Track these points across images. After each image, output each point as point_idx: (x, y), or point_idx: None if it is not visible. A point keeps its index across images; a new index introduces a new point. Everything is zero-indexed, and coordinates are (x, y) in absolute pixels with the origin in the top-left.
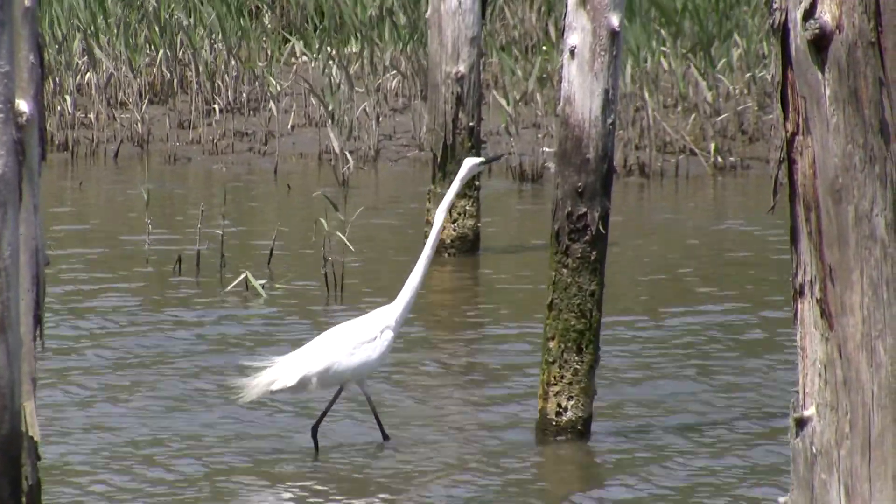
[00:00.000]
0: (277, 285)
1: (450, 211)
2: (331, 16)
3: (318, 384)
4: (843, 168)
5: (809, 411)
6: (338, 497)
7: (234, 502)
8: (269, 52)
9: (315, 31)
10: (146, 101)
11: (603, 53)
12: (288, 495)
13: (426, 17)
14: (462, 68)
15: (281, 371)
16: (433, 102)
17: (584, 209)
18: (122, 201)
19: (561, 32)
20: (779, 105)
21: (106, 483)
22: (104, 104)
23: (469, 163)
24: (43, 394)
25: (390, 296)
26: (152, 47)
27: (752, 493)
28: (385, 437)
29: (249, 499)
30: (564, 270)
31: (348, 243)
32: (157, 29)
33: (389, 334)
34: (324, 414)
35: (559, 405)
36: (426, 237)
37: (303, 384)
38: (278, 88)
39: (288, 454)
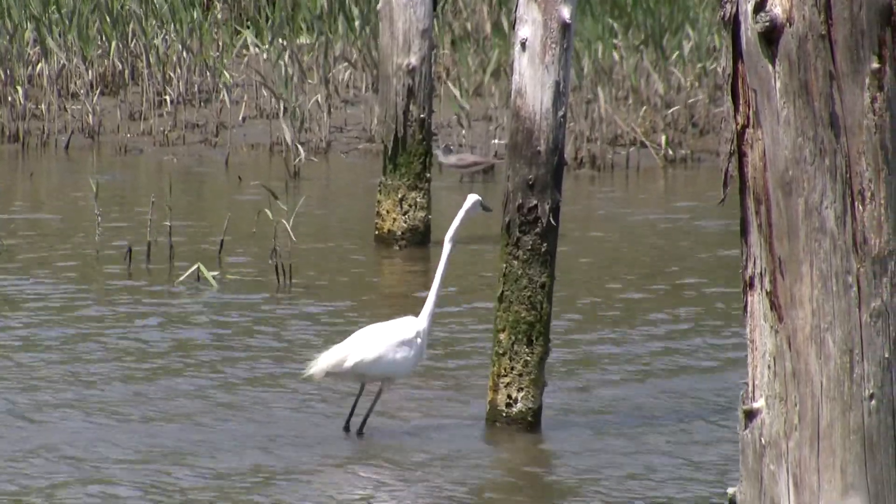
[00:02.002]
0: (228, 276)
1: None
2: (282, 7)
3: (361, 374)
4: (793, 161)
5: (759, 403)
6: (286, 484)
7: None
8: (221, 44)
9: (267, 22)
10: (98, 92)
11: (554, 46)
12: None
13: (378, 9)
14: (413, 60)
15: (337, 356)
16: (384, 94)
17: (535, 201)
18: (73, 192)
19: (512, 25)
20: (729, 98)
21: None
22: (56, 95)
23: (473, 198)
24: None
25: (339, 285)
26: (104, 38)
27: (701, 484)
28: (360, 432)
29: (187, 483)
30: (515, 262)
31: (291, 233)
32: (108, 20)
33: (421, 341)
34: (352, 411)
35: (509, 396)
36: (376, 228)
37: (354, 371)
38: (230, 80)
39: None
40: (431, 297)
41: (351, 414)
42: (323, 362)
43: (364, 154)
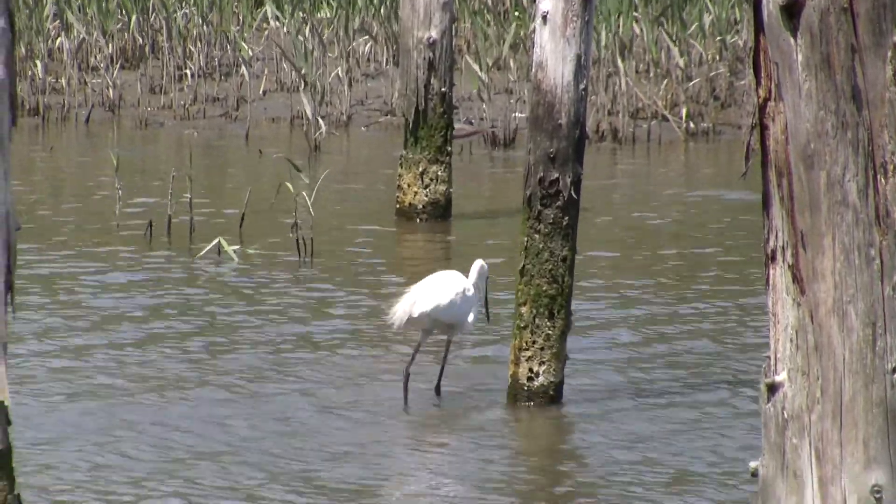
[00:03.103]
0: (249, 250)
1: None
2: None
3: (435, 319)
4: (815, 134)
5: (781, 377)
6: (301, 465)
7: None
8: (241, 17)
9: None
10: (118, 66)
11: (575, 19)
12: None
13: None
14: (434, 34)
15: (416, 300)
16: (405, 68)
17: (557, 175)
18: (93, 166)
19: None
20: (751, 71)
21: (81, 451)
22: (76, 69)
23: (479, 263)
24: (13, 359)
25: (360, 259)
26: (124, 12)
27: (723, 458)
28: (438, 391)
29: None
30: (536, 236)
31: (311, 208)
32: None
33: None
34: (412, 360)
35: (531, 370)
36: (397, 202)
37: (430, 317)
38: (250, 53)
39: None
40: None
41: (440, 378)
42: (400, 310)
43: (385, 127)
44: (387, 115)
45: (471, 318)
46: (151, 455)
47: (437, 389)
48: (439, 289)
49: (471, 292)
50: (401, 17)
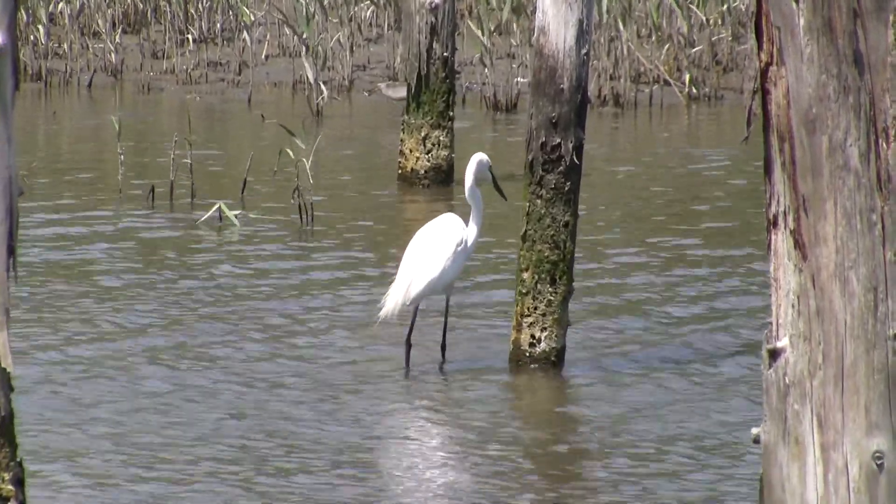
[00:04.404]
0: (251, 215)
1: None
2: None
3: (430, 295)
4: (816, 98)
5: (782, 342)
6: (315, 435)
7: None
8: None
9: None
10: (119, 30)
11: None
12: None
13: None
14: None
15: (407, 285)
16: (407, 32)
17: (559, 140)
18: (96, 131)
19: None
20: (753, 35)
21: (80, 422)
22: (77, 34)
23: (476, 158)
24: (16, 326)
25: (361, 224)
26: None
27: (724, 424)
28: (443, 348)
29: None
30: (538, 201)
31: (309, 173)
32: None
33: (469, 245)
34: (411, 328)
35: (532, 336)
36: (399, 167)
37: (424, 297)
38: (252, 18)
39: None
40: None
41: (444, 339)
42: (391, 302)
43: None
44: (389, 79)
45: (473, 235)
46: (152, 421)
47: (443, 346)
48: (428, 260)
49: (461, 245)
50: None
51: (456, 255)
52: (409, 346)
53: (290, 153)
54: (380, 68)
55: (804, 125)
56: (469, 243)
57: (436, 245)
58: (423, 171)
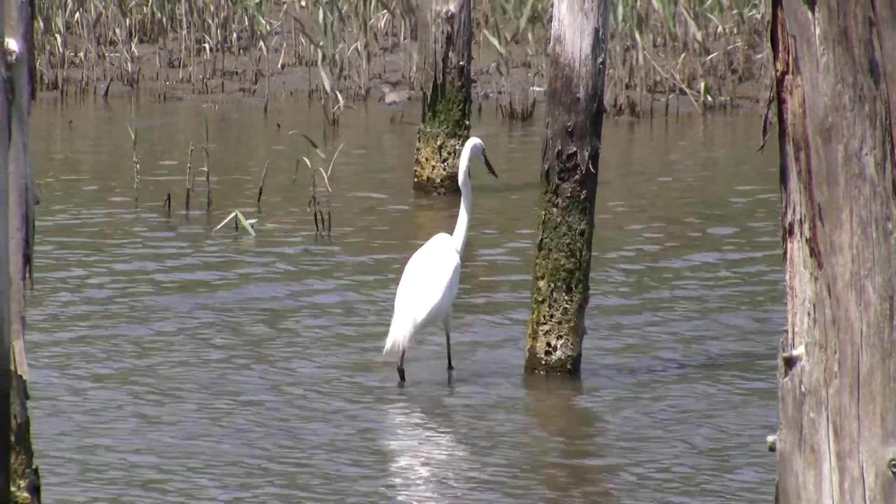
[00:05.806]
0: (267, 224)
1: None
2: None
3: (432, 322)
4: (832, 107)
5: (798, 351)
6: (324, 437)
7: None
8: None
9: None
10: (136, 39)
11: None
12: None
13: None
14: (452, 7)
15: (409, 320)
16: (423, 42)
17: (574, 148)
18: (112, 140)
19: None
20: (769, 44)
21: (94, 420)
22: (94, 43)
23: (470, 143)
24: (32, 334)
25: (378, 233)
26: None
27: (740, 433)
28: (450, 367)
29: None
30: (554, 210)
31: (327, 182)
32: None
33: (457, 262)
34: (402, 358)
35: (548, 344)
36: (415, 176)
37: (425, 329)
38: (268, 27)
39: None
40: (463, 224)
41: (448, 354)
42: (391, 339)
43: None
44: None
45: (461, 241)
46: (166, 426)
47: (449, 362)
48: (428, 287)
49: (455, 262)
50: None
51: (453, 274)
52: (402, 372)
53: (307, 162)
54: (396, 77)
55: (820, 134)
56: (458, 250)
57: (433, 271)
58: (438, 180)
